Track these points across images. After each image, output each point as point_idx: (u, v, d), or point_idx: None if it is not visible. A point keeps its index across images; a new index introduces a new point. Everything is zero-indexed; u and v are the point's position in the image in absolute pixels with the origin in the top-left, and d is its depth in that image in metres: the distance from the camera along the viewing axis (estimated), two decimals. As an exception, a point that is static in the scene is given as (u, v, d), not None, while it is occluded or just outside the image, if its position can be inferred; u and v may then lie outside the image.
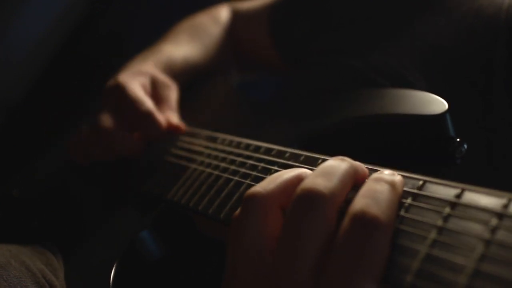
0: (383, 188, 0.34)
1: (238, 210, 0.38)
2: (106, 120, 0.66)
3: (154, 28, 0.89)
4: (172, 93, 0.70)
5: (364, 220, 0.31)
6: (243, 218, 0.36)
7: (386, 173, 0.36)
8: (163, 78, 0.71)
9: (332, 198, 0.34)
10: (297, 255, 0.32)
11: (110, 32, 1.49)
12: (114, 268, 0.51)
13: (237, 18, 0.91)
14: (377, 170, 0.38)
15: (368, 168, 0.39)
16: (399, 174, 0.37)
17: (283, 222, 0.34)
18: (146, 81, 0.70)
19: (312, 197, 0.33)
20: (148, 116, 0.64)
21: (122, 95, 0.66)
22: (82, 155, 0.69)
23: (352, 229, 0.31)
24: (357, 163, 0.38)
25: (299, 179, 0.37)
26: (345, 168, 0.36)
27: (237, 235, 0.36)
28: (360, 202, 0.32)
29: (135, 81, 0.68)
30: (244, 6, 0.91)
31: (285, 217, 0.34)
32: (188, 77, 0.80)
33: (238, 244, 0.36)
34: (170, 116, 0.67)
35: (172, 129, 0.66)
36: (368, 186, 0.34)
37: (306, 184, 0.34)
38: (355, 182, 0.37)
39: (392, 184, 0.34)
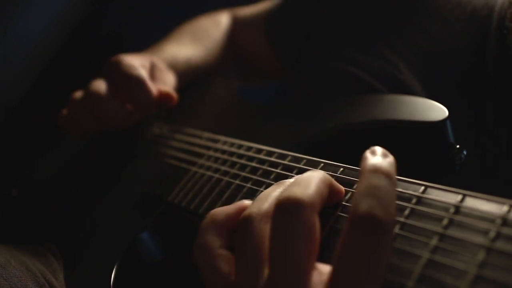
0: (383, 183, 0.32)
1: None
2: (98, 86, 0.64)
3: (154, 29, 0.90)
4: (170, 77, 0.70)
5: (371, 224, 0.30)
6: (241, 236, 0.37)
7: (379, 153, 0.35)
8: (163, 66, 0.72)
9: (311, 203, 0.34)
10: (286, 265, 0.32)
11: (110, 32, 1.49)
12: (114, 269, 0.51)
13: (236, 24, 0.92)
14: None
15: None
16: (400, 180, 0.37)
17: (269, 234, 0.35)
18: (146, 63, 0.70)
19: (292, 204, 0.34)
20: (139, 81, 0.63)
21: (118, 64, 0.65)
22: (72, 126, 0.68)
23: (356, 231, 0.31)
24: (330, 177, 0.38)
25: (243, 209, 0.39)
26: (319, 176, 0.37)
27: (240, 260, 0.36)
28: (364, 204, 0.31)
29: (135, 58, 0.68)
30: (243, 12, 0.92)
31: (270, 229, 0.35)
32: (189, 77, 0.80)
33: (243, 254, 0.36)
34: (161, 86, 0.66)
35: (163, 98, 0.65)
36: (368, 181, 0.33)
37: (283, 194, 0.35)
38: (330, 192, 0.37)
39: (389, 175, 0.33)
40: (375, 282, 0.30)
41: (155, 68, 0.70)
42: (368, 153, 0.36)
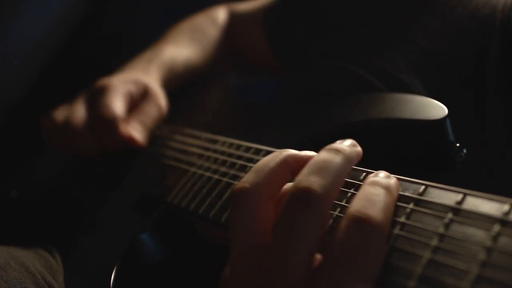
0: (379, 192, 0.34)
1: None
2: (74, 116, 0.66)
3: (154, 29, 0.90)
4: (153, 110, 0.70)
5: (359, 220, 0.32)
6: (233, 214, 0.36)
7: (381, 176, 0.36)
8: (157, 94, 0.71)
9: (326, 197, 0.34)
10: (291, 253, 0.32)
11: (110, 32, 1.49)
12: (114, 270, 0.51)
13: (234, 19, 0.92)
14: (372, 172, 0.38)
15: (365, 171, 0.39)
16: (400, 179, 0.37)
17: (277, 220, 0.34)
18: (136, 90, 0.70)
19: (307, 196, 0.33)
20: (110, 121, 0.64)
21: (99, 95, 0.66)
22: (53, 143, 0.71)
23: (347, 230, 0.32)
24: (351, 152, 0.38)
25: (285, 166, 0.38)
26: (339, 162, 0.36)
27: (231, 232, 0.36)
28: (356, 204, 0.33)
29: (124, 87, 0.68)
30: (241, 7, 0.92)
31: (280, 215, 0.34)
32: (188, 78, 0.80)
33: (233, 240, 0.36)
34: (131, 127, 0.66)
35: (127, 140, 0.66)
36: (364, 189, 0.35)
37: (300, 182, 0.34)
38: (350, 171, 0.38)
39: (387, 188, 0.35)
40: (358, 277, 0.30)
41: (146, 93, 0.70)
42: (370, 175, 0.37)
